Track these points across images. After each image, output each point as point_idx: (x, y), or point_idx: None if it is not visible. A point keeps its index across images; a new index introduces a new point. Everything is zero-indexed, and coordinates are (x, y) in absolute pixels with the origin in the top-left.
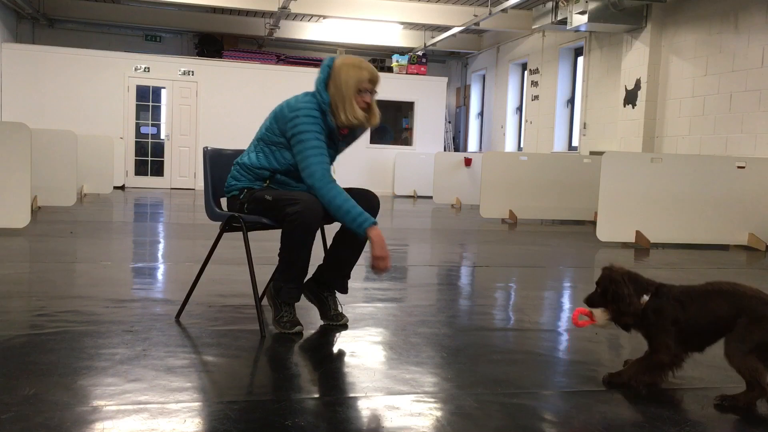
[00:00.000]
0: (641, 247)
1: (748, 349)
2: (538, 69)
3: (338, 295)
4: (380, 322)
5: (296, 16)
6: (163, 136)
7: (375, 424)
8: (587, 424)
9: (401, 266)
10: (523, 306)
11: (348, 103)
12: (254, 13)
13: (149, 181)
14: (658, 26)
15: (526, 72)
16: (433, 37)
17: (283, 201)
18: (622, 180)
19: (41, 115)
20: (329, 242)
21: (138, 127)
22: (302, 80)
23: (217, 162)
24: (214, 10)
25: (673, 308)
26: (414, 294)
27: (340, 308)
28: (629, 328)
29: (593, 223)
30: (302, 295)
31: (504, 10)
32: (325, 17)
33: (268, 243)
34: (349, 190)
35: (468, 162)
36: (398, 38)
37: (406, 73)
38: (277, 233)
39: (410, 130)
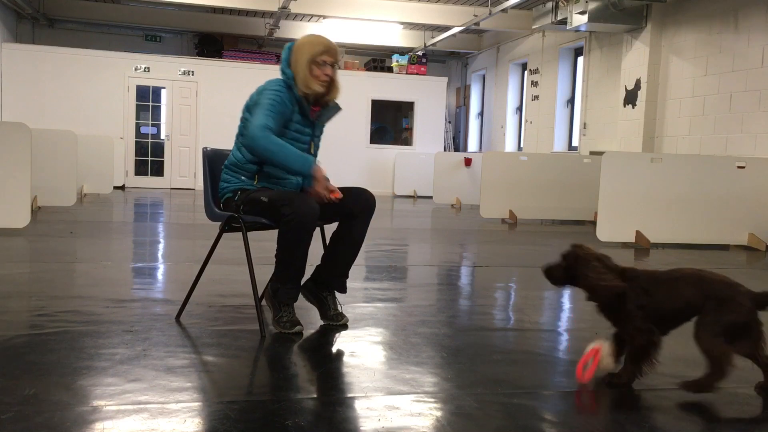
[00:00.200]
0: (641, 247)
1: (716, 333)
2: (538, 69)
3: (338, 294)
4: (380, 322)
5: (296, 16)
6: (163, 136)
7: (375, 424)
8: (587, 424)
9: (401, 266)
10: (523, 306)
11: (302, 72)
12: (254, 13)
13: (149, 181)
14: (658, 26)
15: (526, 72)
16: (433, 37)
17: (278, 202)
18: (622, 180)
19: (41, 115)
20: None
21: (138, 127)
22: None
23: (216, 162)
24: (214, 10)
25: (639, 293)
26: (414, 294)
27: (339, 308)
28: (606, 309)
29: (593, 223)
30: (301, 296)
31: (504, 10)
32: (325, 17)
33: (267, 243)
34: (345, 189)
35: (468, 162)
36: (398, 38)
37: (406, 73)
38: (277, 233)
39: (410, 130)
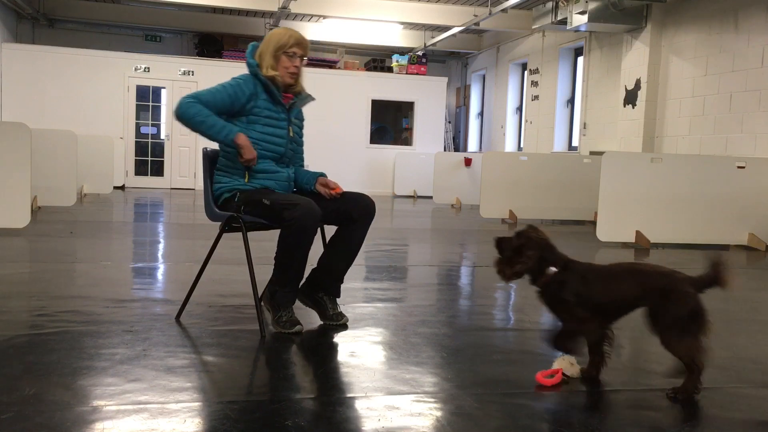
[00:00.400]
0: (641, 247)
1: (680, 330)
2: (538, 69)
3: None
4: (380, 322)
5: (296, 16)
6: (163, 136)
7: (375, 424)
8: (587, 424)
9: (401, 266)
10: (523, 306)
11: (266, 58)
12: (254, 13)
13: (149, 181)
14: (658, 26)
15: (526, 72)
16: (433, 37)
17: (280, 205)
18: (622, 180)
19: (41, 115)
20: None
21: (138, 127)
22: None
23: (216, 163)
24: (214, 10)
25: (577, 283)
26: (414, 294)
27: (338, 308)
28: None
29: (593, 223)
30: (298, 300)
31: (504, 10)
32: (325, 17)
33: (267, 243)
34: (345, 194)
35: (468, 162)
36: (398, 38)
37: (406, 73)
38: (277, 233)
39: (410, 130)
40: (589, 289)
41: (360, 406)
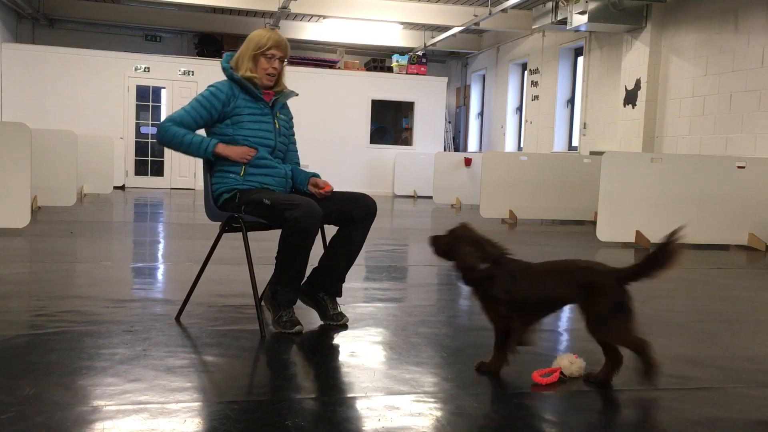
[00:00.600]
0: (641, 247)
1: (621, 321)
2: (538, 69)
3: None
4: (380, 322)
5: (296, 16)
6: None
7: (375, 424)
8: (587, 424)
9: (401, 266)
10: None
11: (244, 60)
12: (254, 13)
13: (149, 181)
14: (658, 26)
15: (526, 72)
16: (433, 37)
17: (281, 205)
18: (622, 180)
19: (41, 115)
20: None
21: (138, 127)
22: (302, 80)
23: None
24: (214, 10)
25: (506, 280)
26: (414, 294)
27: (339, 308)
28: (470, 283)
29: (593, 223)
30: (299, 299)
31: (504, 10)
32: (325, 17)
33: (267, 243)
34: (347, 194)
35: (468, 162)
36: (398, 38)
37: (406, 73)
38: (277, 233)
39: (410, 130)
40: (517, 287)
41: (360, 406)
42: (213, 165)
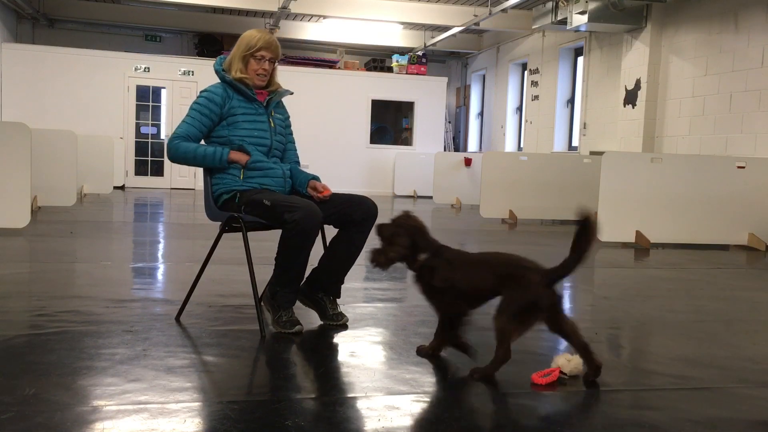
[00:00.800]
0: (641, 247)
1: (509, 313)
2: (538, 69)
3: None
4: (380, 322)
5: (296, 16)
6: (163, 136)
7: (375, 424)
8: (587, 424)
9: (401, 266)
10: None
11: (235, 62)
12: (254, 13)
13: (149, 181)
14: (658, 26)
15: (526, 72)
16: (433, 37)
17: (281, 207)
18: (622, 180)
19: (41, 115)
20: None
21: (138, 127)
22: (302, 80)
23: None
24: (214, 10)
25: (444, 269)
26: (414, 294)
27: (338, 308)
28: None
29: None
30: (297, 300)
31: (504, 10)
32: (325, 17)
33: (267, 243)
34: (347, 196)
35: (468, 162)
36: (398, 38)
37: (406, 73)
38: (277, 233)
39: (410, 130)
40: (454, 276)
41: (360, 406)
42: (212, 167)
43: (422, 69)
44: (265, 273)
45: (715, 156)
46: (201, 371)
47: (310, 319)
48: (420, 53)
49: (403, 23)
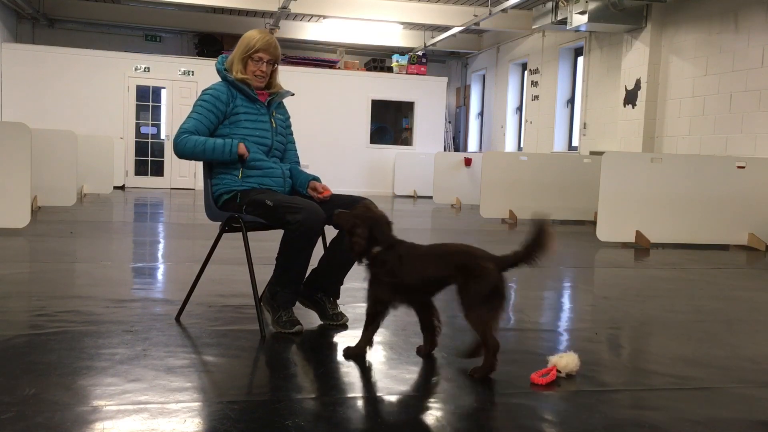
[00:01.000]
0: (641, 247)
1: (480, 306)
2: (538, 69)
3: None
4: None
5: (296, 16)
6: (163, 136)
7: (375, 424)
8: (587, 424)
9: None
10: (523, 306)
11: (234, 63)
12: (254, 13)
13: (149, 181)
14: (658, 26)
15: (526, 72)
16: (433, 37)
17: (284, 208)
18: (622, 180)
19: (41, 115)
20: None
21: (138, 127)
22: (302, 80)
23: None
24: (214, 10)
25: (393, 263)
26: None
27: (338, 308)
28: (358, 259)
29: (593, 223)
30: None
31: (504, 10)
32: (325, 17)
33: (267, 243)
34: (348, 198)
35: (468, 162)
36: (398, 38)
37: (406, 73)
38: (277, 233)
39: (410, 130)
40: (402, 270)
41: (360, 406)
42: (211, 167)
43: (422, 69)
44: (265, 273)
45: (715, 156)
46: (201, 371)
47: (309, 319)
48: (420, 53)
49: (403, 23)
